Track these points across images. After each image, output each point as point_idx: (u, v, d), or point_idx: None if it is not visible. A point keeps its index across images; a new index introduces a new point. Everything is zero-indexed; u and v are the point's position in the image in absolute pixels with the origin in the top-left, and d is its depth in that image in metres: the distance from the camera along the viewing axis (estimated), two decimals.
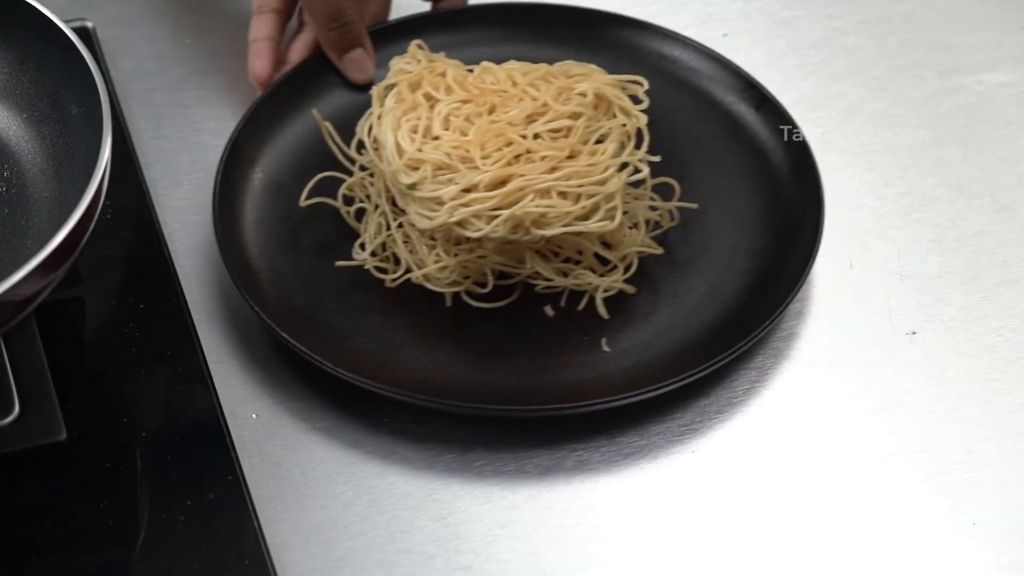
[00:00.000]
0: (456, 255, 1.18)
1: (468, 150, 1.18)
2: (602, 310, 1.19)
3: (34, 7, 1.12)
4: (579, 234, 1.18)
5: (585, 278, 1.19)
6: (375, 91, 1.23)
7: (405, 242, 1.20)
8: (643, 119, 1.21)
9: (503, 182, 1.17)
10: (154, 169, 1.27)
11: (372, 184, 1.23)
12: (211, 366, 1.16)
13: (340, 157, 1.25)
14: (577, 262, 1.20)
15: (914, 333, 1.20)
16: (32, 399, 1.11)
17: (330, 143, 1.25)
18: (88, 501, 1.10)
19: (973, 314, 1.21)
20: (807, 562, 1.10)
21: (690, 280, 1.21)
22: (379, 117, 1.21)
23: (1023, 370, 1.19)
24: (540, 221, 1.17)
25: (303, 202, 1.23)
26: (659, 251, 1.21)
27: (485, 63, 1.23)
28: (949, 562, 1.10)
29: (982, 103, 1.32)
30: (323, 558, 1.09)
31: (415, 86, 1.22)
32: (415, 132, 1.19)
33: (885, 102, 1.32)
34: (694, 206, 1.23)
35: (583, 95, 1.20)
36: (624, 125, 1.21)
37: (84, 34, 1.29)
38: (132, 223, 1.18)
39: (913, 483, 1.13)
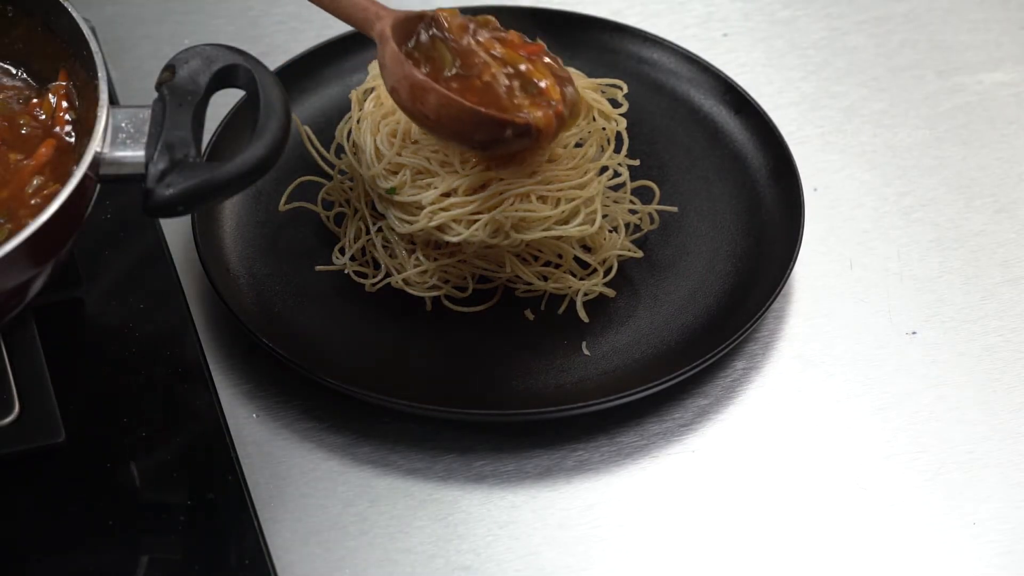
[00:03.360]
0: (436, 259, 1.18)
1: (447, 154, 1.17)
2: (582, 314, 1.18)
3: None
4: (559, 238, 1.17)
5: (565, 282, 1.19)
6: (354, 95, 1.22)
7: (385, 246, 1.19)
8: (622, 123, 1.20)
9: (482, 186, 1.16)
10: None
11: (351, 189, 1.22)
12: (211, 366, 1.15)
13: (319, 162, 1.24)
14: (557, 266, 1.19)
15: (914, 333, 1.19)
16: (31, 400, 1.10)
17: (309, 148, 1.24)
18: (88, 502, 1.09)
19: (973, 314, 1.20)
20: (807, 562, 1.09)
21: (670, 284, 1.21)
22: (358, 121, 1.20)
23: (1022, 370, 1.18)
24: (519, 225, 1.16)
25: (282, 207, 1.22)
26: (639, 254, 1.21)
27: None
28: (949, 562, 1.10)
29: (982, 103, 1.32)
30: (323, 558, 1.09)
31: None
32: (394, 136, 1.19)
33: (885, 102, 1.32)
34: (674, 209, 1.23)
35: None
36: (603, 129, 1.20)
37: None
38: (132, 223, 1.17)
39: (913, 483, 1.13)
